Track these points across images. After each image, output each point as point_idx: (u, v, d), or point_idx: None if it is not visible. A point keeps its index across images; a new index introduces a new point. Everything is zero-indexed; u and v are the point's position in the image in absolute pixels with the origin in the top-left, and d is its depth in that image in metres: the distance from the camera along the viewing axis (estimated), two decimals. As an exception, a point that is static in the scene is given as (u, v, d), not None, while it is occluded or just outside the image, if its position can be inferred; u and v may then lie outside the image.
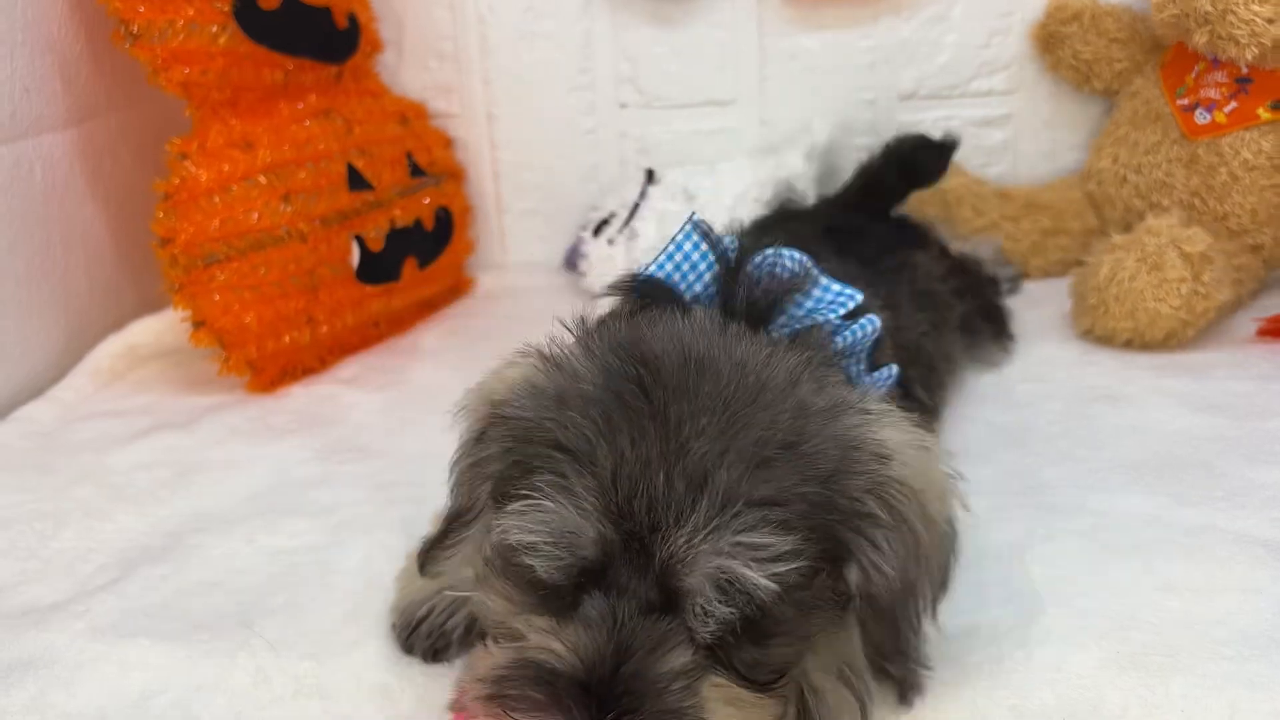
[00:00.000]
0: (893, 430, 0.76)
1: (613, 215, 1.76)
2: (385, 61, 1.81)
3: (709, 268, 0.88)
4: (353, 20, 1.64)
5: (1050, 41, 1.70)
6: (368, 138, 1.59)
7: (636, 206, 1.73)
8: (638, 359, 0.75)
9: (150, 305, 1.57)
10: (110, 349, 1.49)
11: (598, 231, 1.75)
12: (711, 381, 0.73)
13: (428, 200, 1.70)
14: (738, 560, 0.67)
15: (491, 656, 0.73)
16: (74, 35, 1.44)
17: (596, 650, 0.68)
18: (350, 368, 1.51)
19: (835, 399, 0.76)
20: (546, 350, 0.81)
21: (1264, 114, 1.47)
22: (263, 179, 1.40)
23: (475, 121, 1.88)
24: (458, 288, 1.84)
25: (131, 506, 1.10)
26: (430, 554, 0.86)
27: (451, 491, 0.86)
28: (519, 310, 1.75)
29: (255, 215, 1.38)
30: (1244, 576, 0.88)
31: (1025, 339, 1.46)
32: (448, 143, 1.85)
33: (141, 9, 1.31)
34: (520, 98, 1.86)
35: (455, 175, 1.83)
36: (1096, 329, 1.41)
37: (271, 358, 1.42)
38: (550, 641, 0.70)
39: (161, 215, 1.33)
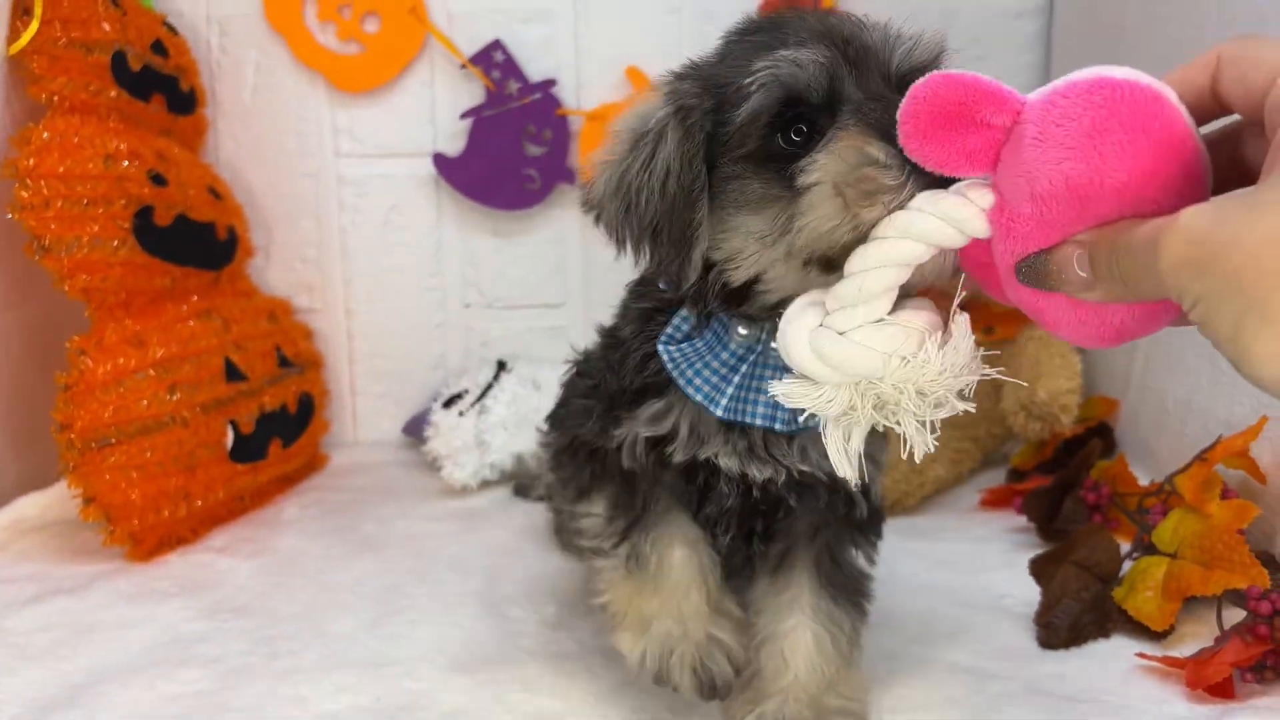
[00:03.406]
0: None
1: (465, 392, 1.99)
2: (255, 264, 2.05)
3: None
4: (231, 231, 1.88)
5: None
6: (243, 334, 1.81)
7: (490, 387, 1.98)
8: (765, 18, 0.94)
9: (34, 482, 1.71)
10: (-3, 522, 1.62)
11: (448, 405, 1.97)
12: (828, 15, 0.92)
13: (293, 388, 1.92)
14: (913, 32, 0.87)
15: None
16: (-17, 245, 1.62)
17: (885, 120, 0.79)
18: (221, 537, 1.68)
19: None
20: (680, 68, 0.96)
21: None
22: (152, 372, 1.59)
23: (335, 316, 2.12)
24: (313, 463, 2.04)
25: (36, 663, 1.24)
26: (683, 250, 0.91)
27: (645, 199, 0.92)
28: (369, 483, 1.97)
29: (145, 403, 1.56)
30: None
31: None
32: (309, 334, 2.08)
33: (53, 226, 1.50)
34: (376, 296, 2.12)
35: (316, 364, 2.06)
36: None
37: (151, 529, 1.58)
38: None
39: (61, 404, 1.49)
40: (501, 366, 2.05)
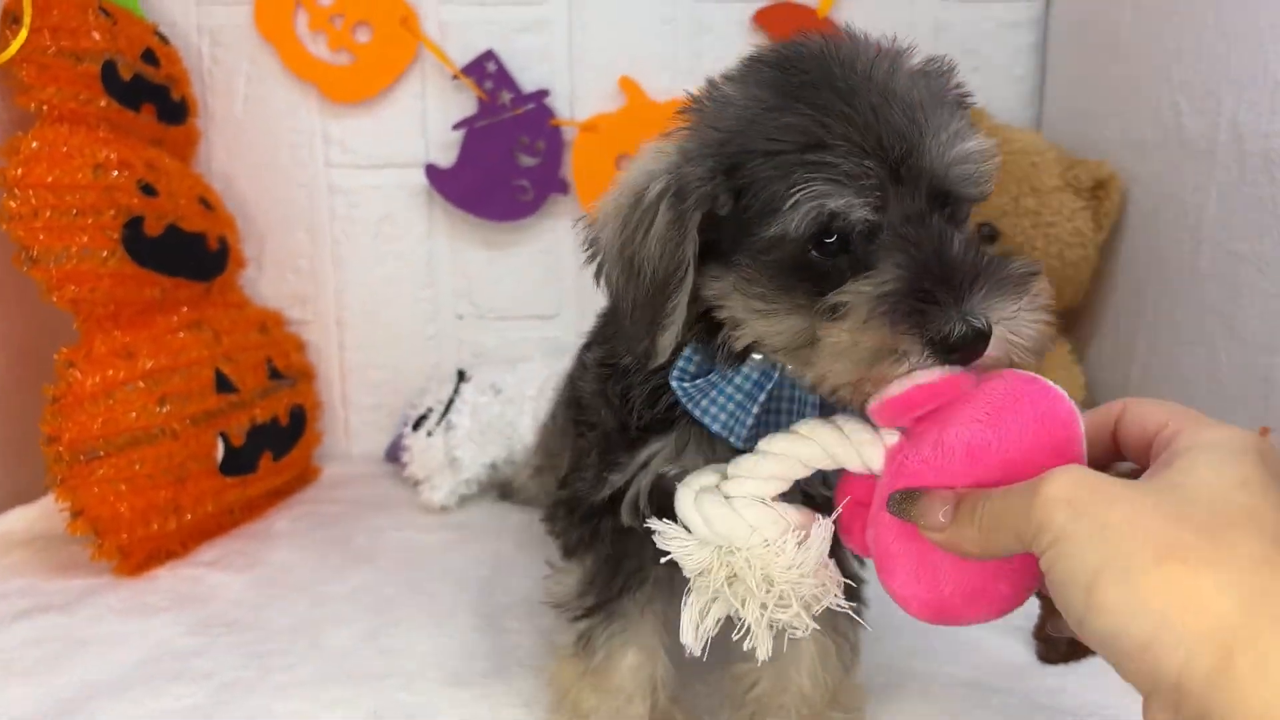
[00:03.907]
0: None
1: (430, 411, 1.97)
2: (247, 275, 2.04)
3: None
4: (223, 242, 1.87)
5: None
6: (234, 345, 1.79)
7: (451, 401, 1.96)
8: (784, 62, 0.84)
9: (21, 496, 1.69)
10: (-16, 537, 1.60)
11: (416, 426, 1.96)
12: (850, 55, 0.82)
13: (284, 400, 1.90)
14: (971, 147, 0.81)
15: (844, 332, 0.78)
16: (-30, 255, 1.61)
17: (924, 257, 0.77)
18: (211, 551, 1.66)
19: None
20: (687, 119, 0.89)
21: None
22: (141, 384, 1.57)
23: (327, 327, 2.11)
24: (305, 476, 2.02)
25: (26, 679, 1.22)
26: (652, 331, 0.87)
27: (623, 279, 0.89)
28: (362, 495, 1.95)
29: (134, 415, 1.55)
30: None
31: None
32: (301, 346, 2.07)
33: (41, 236, 1.49)
34: (368, 307, 2.11)
35: (308, 376, 2.05)
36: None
37: (140, 543, 1.56)
38: (875, 284, 0.77)
39: (49, 416, 1.47)
40: (461, 376, 2.03)
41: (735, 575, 0.85)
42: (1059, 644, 1.27)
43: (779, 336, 0.84)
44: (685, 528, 0.88)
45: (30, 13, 1.55)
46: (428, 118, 2.04)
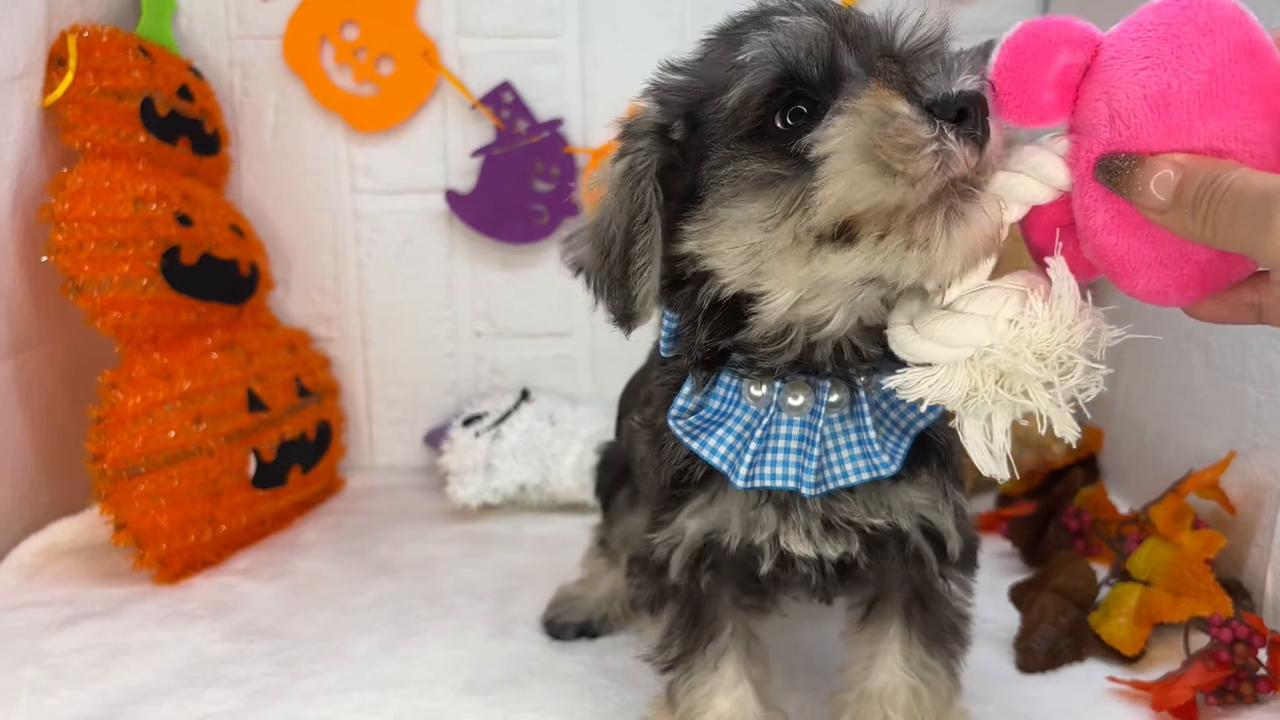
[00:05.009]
0: None
1: (485, 414, 2.06)
2: (275, 296, 2.14)
3: None
4: (253, 267, 1.96)
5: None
6: (264, 365, 1.89)
7: (509, 414, 2.05)
8: (732, 19, 0.86)
9: (65, 509, 1.80)
10: (31, 546, 1.70)
11: (468, 423, 2.05)
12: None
13: (311, 416, 2.00)
14: (923, 22, 0.79)
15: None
16: (20, 284, 1.71)
17: (892, 80, 0.75)
18: (243, 561, 1.76)
19: None
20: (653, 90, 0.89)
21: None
22: (179, 404, 1.67)
23: (351, 345, 2.21)
24: (330, 487, 2.11)
25: (72, 685, 1.32)
26: (627, 284, 0.85)
27: (599, 237, 0.88)
28: (385, 506, 2.05)
29: (172, 434, 1.65)
30: None
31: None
32: (327, 363, 2.17)
33: (86, 267, 1.59)
34: (391, 326, 2.21)
35: (333, 392, 2.15)
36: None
37: (178, 554, 1.66)
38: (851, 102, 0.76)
39: (94, 435, 1.57)
40: (524, 396, 2.12)
41: (1003, 373, 0.76)
42: (1037, 654, 1.35)
43: (768, 218, 0.79)
44: (921, 365, 0.79)
45: (76, 56, 1.66)
46: (448, 145, 2.13)
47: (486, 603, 1.56)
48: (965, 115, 0.72)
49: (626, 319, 0.88)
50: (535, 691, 1.29)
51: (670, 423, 0.94)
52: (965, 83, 0.73)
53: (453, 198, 2.12)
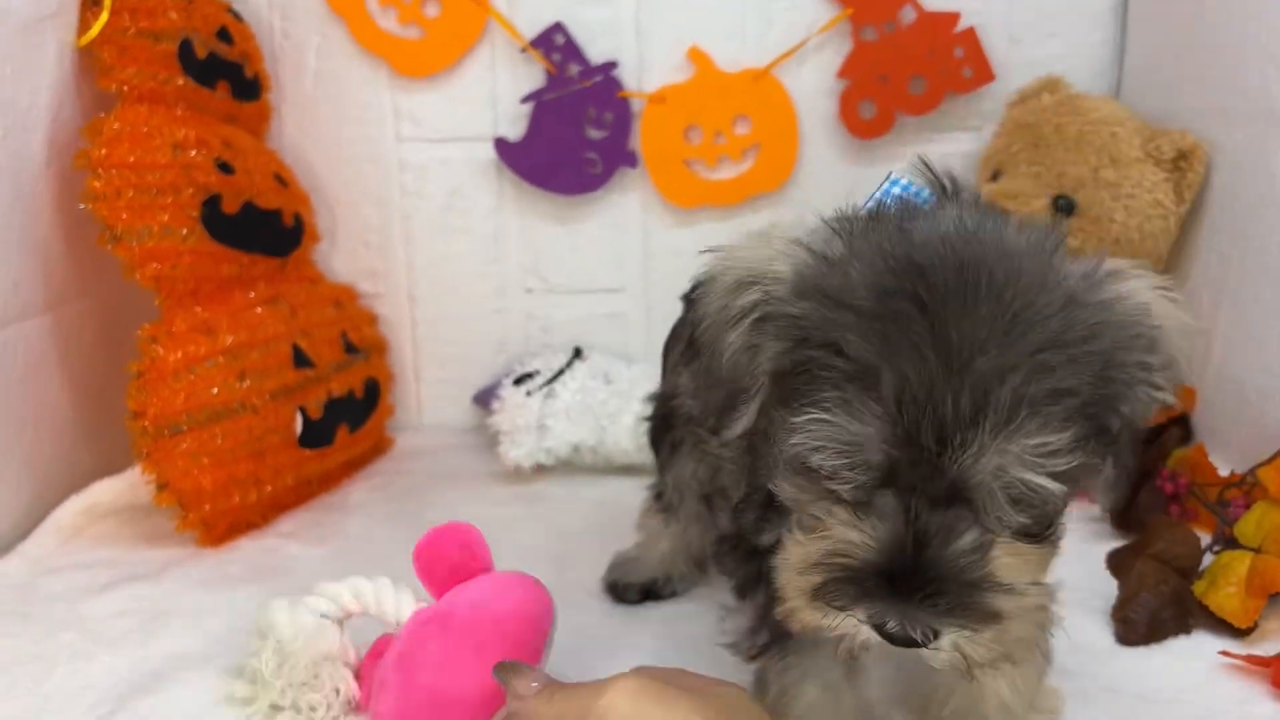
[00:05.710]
0: (1142, 286, 0.79)
1: (537, 373, 1.99)
2: (320, 250, 2.06)
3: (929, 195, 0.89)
4: (297, 218, 1.89)
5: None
6: (309, 321, 1.82)
7: (561, 372, 1.97)
8: (911, 271, 0.74)
9: (106, 468, 1.74)
10: (72, 507, 1.64)
11: (519, 382, 1.98)
12: (986, 286, 0.72)
13: (359, 373, 1.93)
14: (1028, 470, 0.70)
15: (801, 547, 0.78)
16: (56, 234, 1.64)
17: (896, 540, 0.73)
18: (289, 523, 1.70)
19: (1085, 270, 0.78)
20: (816, 246, 0.81)
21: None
22: (221, 359, 1.60)
23: (398, 301, 2.13)
24: (379, 447, 2.05)
25: (113, 649, 1.26)
26: (719, 423, 0.86)
27: (704, 363, 0.88)
28: (434, 467, 1.98)
29: (215, 391, 1.58)
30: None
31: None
32: (374, 320, 2.10)
33: (124, 215, 1.51)
34: (438, 281, 2.13)
35: (380, 349, 2.08)
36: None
37: (222, 515, 1.60)
38: (850, 534, 0.75)
39: (134, 392, 1.51)
40: (577, 354, 2.05)
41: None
42: (1138, 624, 1.25)
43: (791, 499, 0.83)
44: None
45: (110, -6, 1.58)
46: (497, 91, 2.04)
47: (544, 566, 1.47)
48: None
49: (715, 429, 0.90)
50: (591, 656, 1.21)
51: None
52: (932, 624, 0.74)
53: (502, 146, 2.04)
